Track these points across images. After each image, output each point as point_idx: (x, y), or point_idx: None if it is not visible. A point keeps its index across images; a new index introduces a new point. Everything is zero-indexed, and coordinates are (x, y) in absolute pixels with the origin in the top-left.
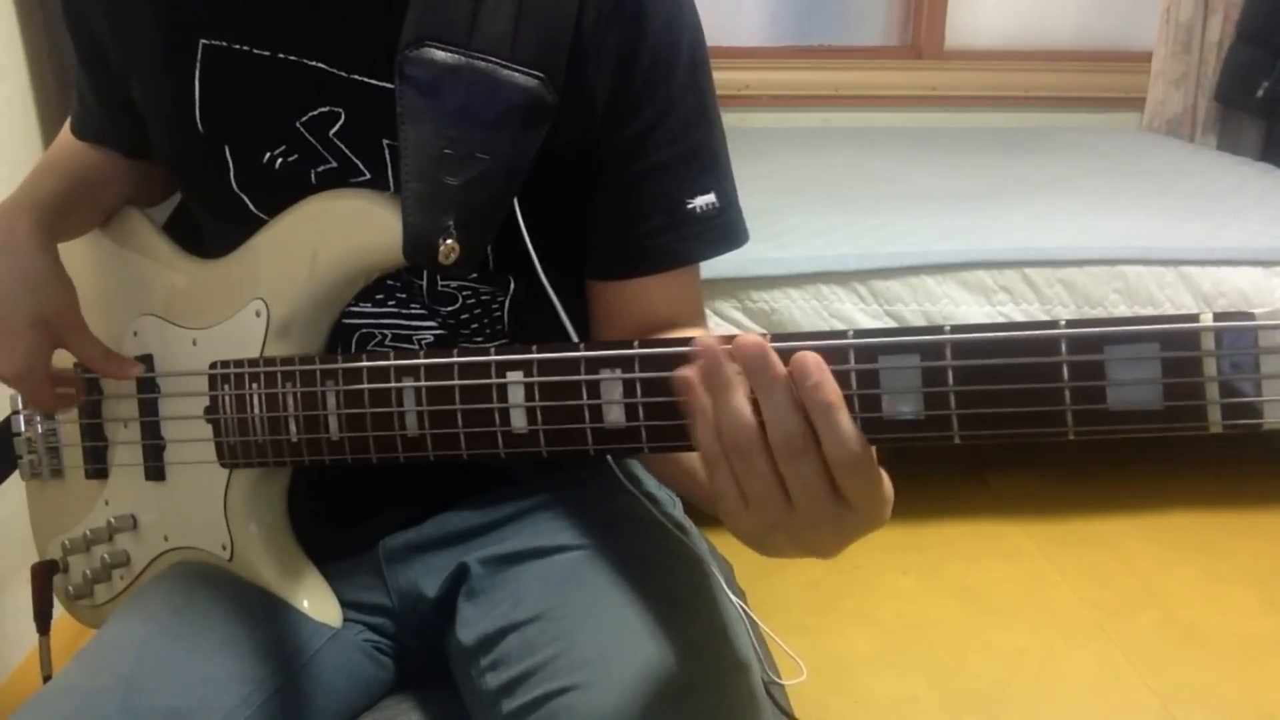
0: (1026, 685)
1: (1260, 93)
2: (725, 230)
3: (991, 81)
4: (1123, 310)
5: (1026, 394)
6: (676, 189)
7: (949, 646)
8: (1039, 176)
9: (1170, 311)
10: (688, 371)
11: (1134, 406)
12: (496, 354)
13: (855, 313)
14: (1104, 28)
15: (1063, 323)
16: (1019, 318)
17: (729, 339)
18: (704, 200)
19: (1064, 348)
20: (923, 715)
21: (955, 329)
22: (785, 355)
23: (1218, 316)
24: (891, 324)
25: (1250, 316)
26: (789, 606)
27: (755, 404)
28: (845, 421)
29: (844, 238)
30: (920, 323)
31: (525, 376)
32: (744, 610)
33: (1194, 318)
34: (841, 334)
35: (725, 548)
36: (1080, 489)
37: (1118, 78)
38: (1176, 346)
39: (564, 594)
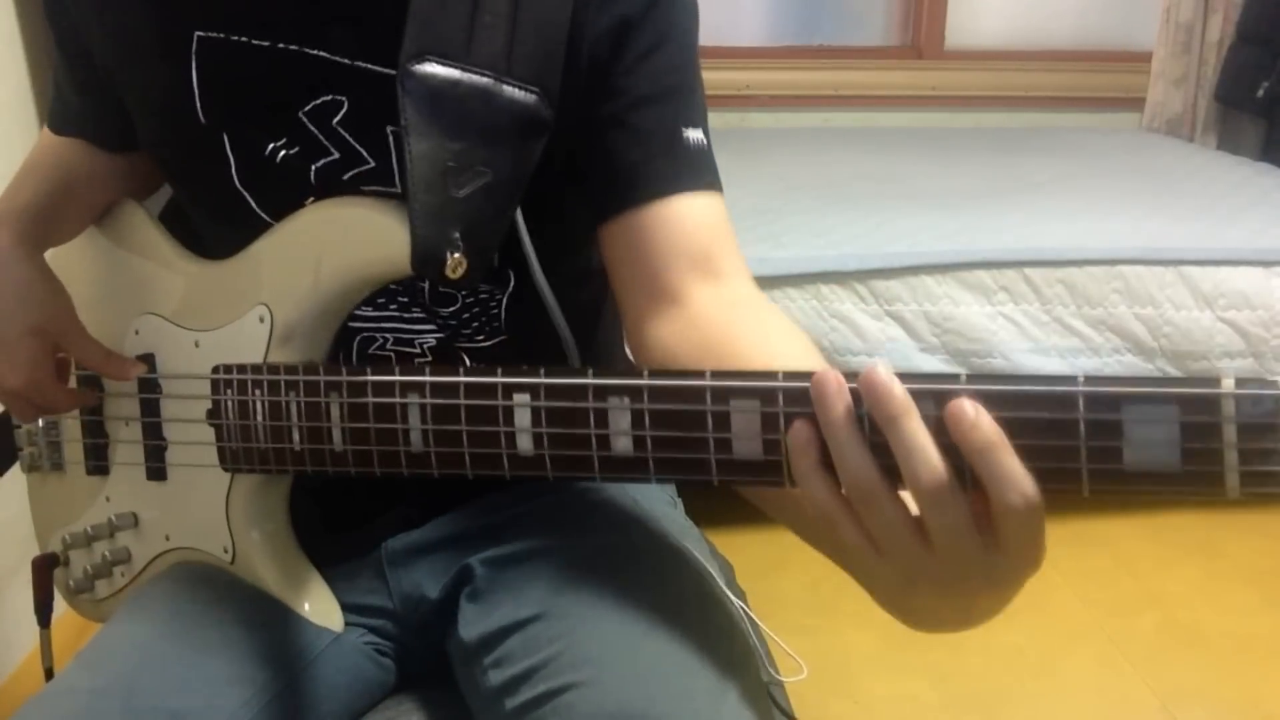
0: (1026, 685)
1: (1260, 93)
2: (714, 170)
3: (991, 81)
4: (1123, 310)
5: (1042, 449)
6: (673, 118)
7: (949, 646)
8: (1039, 176)
9: (1170, 311)
10: (800, 428)
11: (1151, 468)
12: (504, 375)
13: (855, 313)
14: (1104, 28)
15: (1081, 380)
16: (1019, 318)
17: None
18: (695, 135)
19: (1081, 404)
20: (923, 715)
21: (971, 379)
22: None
23: (1239, 383)
24: (891, 324)
25: (1273, 384)
26: (789, 607)
27: (874, 446)
28: (1014, 462)
29: (844, 238)
30: (920, 323)
31: (532, 400)
32: (744, 610)
33: (1215, 382)
34: (852, 375)
35: (726, 548)
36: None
37: (1118, 78)
38: (1196, 411)
39: (566, 593)
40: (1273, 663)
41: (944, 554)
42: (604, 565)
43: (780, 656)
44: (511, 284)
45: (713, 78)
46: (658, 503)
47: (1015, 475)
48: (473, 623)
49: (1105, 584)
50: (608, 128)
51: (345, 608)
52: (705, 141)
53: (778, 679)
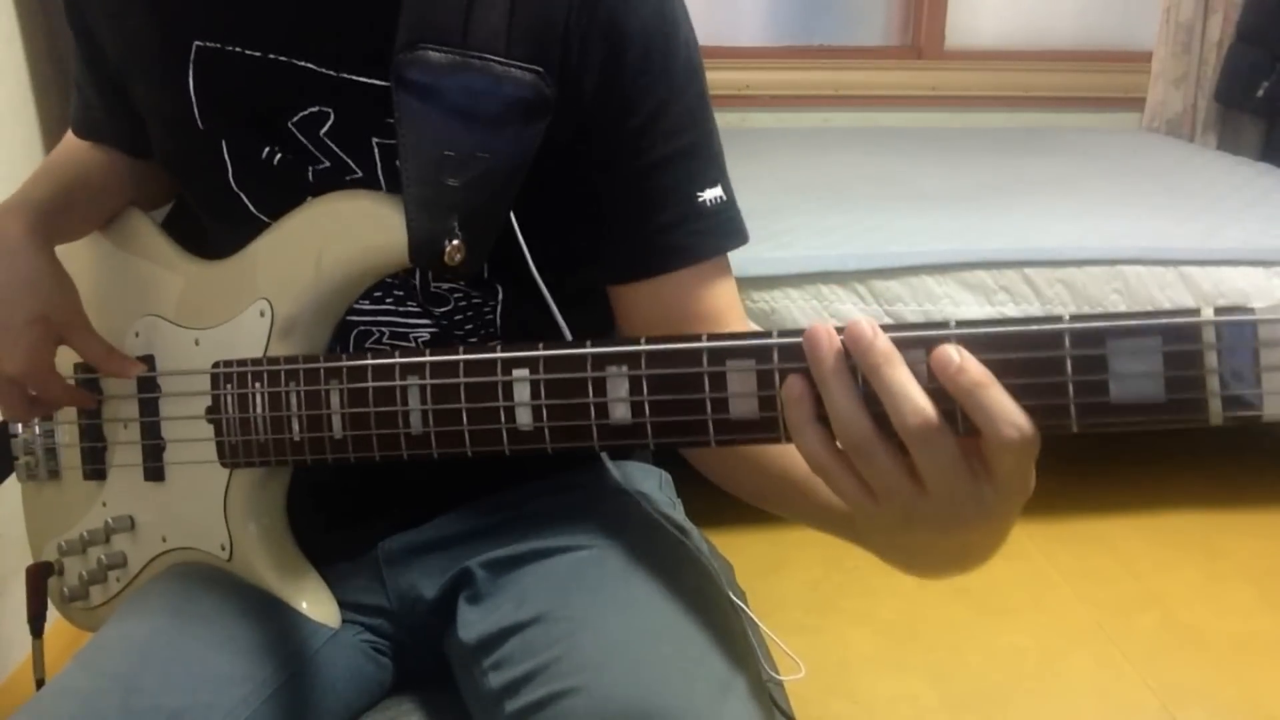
0: (1026, 685)
1: (1260, 93)
2: (734, 225)
3: (991, 81)
4: (1123, 310)
5: (1030, 388)
6: (687, 181)
7: (949, 646)
8: (1039, 176)
9: None
10: (794, 382)
11: (1136, 399)
12: (502, 351)
13: (855, 313)
14: (1104, 28)
15: (1066, 317)
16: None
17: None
18: (712, 194)
19: (1067, 342)
20: (923, 715)
21: (960, 324)
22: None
23: (1218, 311)
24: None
25: (1250, 311)
26: (789, 606)
27: (865, 397)
28: (1003, 397)
29: (844, 238)
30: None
31: (531, 374)
32: (744, 610)
33: (1195, 312)
34: (843, 330)
35: (726, 548)
36: (1080, 489)
37: (1118, 78)
38: (1178, 340)
39: (566, 595)
40: (1273, 663)
41: (937, 492)
42: (604, 567)
43: (779, 656)
44: (501, 296)
45: (713, 78)
46: (657, 503)
47: (1006, 409)
48: (472, 624)
49: (1105, 584)
50: (622, 189)
51: (342, 605)
52: (723, 196)
53: (777, 678)
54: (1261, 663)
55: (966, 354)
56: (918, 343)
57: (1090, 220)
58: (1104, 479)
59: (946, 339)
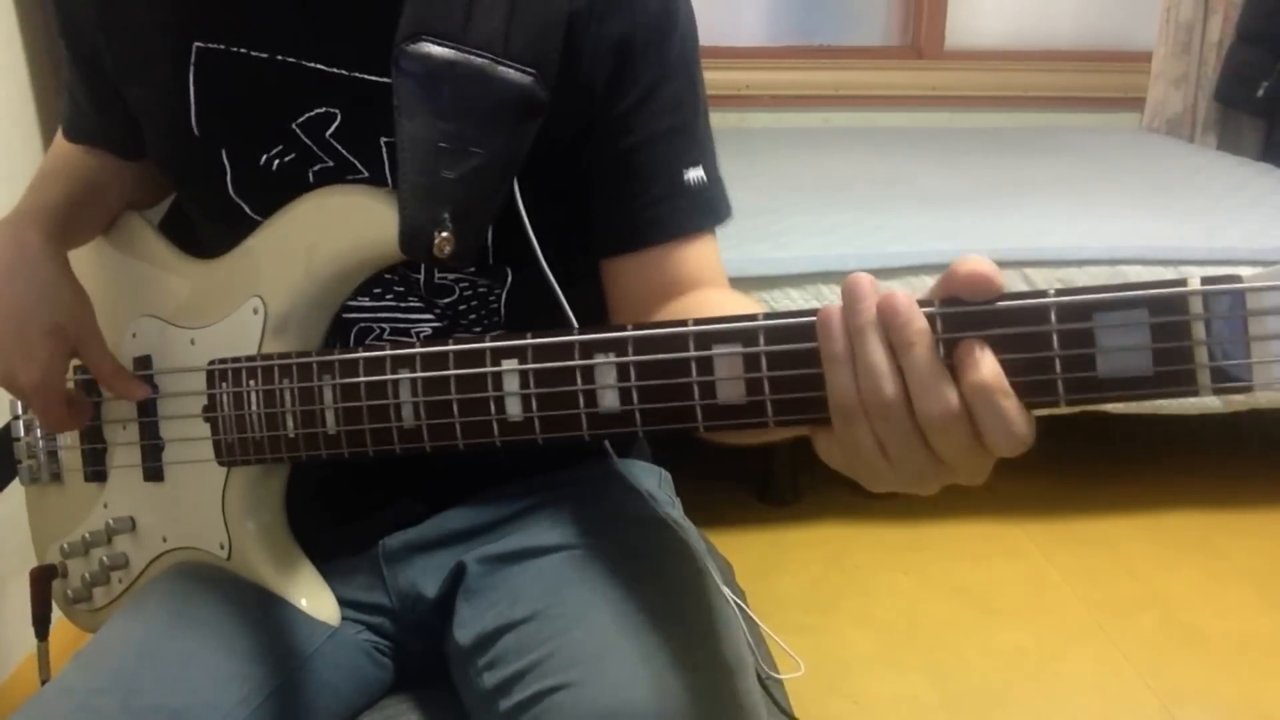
0: (1026, 685)
1: (1260, 93)
2: (714, 204)
3: (991, 81)
4: None
5: (1017, 364)
6: (673, 159)
7: (949, 646)
8: (1039, 176)
9: None
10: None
11: (1124, 373)
12: (491, 341)
13: None
14: (1104, 28)
15: (1052, 292)
16: None
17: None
18: (695, 173)
19: (1053, 316)
20: (923, 715)
21: (944, 302)
22: None
23: (1205, 281)
24: None
25: (1237, 279)
26: (789, 606)
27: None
28: (1012, 407)
29: (844, 238)
30: None
31: (520, 364)
32: (743, 609)
33: (1182, 282)
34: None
35: (725, 548)
36: (1080, 489)
37: (1118, 78)
38: (1165, 311)
39: (560, 593)
40: (1273, 663)
41: (953, 464)
42: (599, 564)
43: (779, 656)
44: (509, 280)
45: (713, 78)
46: (656, 501)
47: (1012, 418)
48: (467, 623)
49: (1105, 584)
50: (610, 166)
51: (343, 604)
52: (705, 178)
53: (776, 676)
54: (1261, 663)
55: (988, 353)
56: None
57: (1090, 220)
58: (1104, 479)
59: (933, 316)
